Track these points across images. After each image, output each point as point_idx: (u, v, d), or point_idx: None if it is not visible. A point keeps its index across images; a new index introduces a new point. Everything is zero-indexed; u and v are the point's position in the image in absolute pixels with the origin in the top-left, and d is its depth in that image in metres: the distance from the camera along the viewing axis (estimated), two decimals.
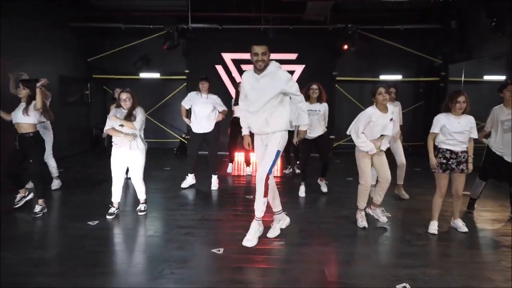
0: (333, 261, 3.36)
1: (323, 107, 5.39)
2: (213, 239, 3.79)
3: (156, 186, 5.94)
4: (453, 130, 3.88)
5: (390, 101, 4.88)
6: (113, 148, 4.37)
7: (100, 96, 9.97)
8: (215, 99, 5.67)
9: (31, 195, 4.83)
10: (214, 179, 5.87)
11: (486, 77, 9.03)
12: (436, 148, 4.05)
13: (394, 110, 4.68)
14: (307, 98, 5.29)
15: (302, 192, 5.54)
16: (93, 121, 9.65)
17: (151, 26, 8.69)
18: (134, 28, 8.89)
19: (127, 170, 4.53)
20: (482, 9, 6.86)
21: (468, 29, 7.68)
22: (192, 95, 5.70)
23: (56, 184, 5.64)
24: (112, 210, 4.45)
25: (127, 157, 4.36)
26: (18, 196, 4.75)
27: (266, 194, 3.45)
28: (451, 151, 3.95)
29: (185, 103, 5.74)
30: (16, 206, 4.66)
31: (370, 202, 4.38)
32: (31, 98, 4.40)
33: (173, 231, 4.00)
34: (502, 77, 8.73)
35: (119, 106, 4.39)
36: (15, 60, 6.46)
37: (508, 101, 4.39)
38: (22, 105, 4.43)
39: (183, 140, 9.44)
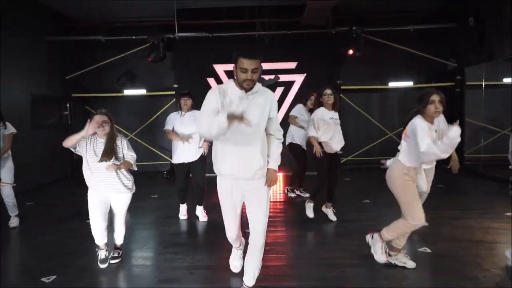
0: None
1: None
2: None
3: (139, 220, 4.98)
4: None
5: None
6: (90, 192, 3.36)
7: (81, 117, 9.03)
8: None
9: None
10: (200, 211, 4.90)
11: (506, 80, 8.22)
12: None
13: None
14: (320, 105, 4.46)
15: (310, 212, 4.73)
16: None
17: (134, 37, 7.86)
18: (115, 40, 8.07)
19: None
20: (505, 2, 6.06)
21: (489, 26, 6.87)
22: (172, 116, 4.70)
23: (15, 221, 4.68)
24: (102, 255, 3.44)
25: (111, 198, 3.41)
26: None
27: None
28: None
29: (168, 126, 4.67)
30: None
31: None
32: None
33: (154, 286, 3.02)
34: None
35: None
36: None
37: None
38: None
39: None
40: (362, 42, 7.47)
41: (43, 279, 3.20)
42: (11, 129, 4.58)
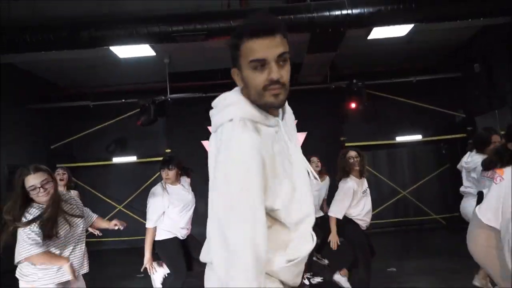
0: None
1: None
2: None
3: None
4: None
5: None
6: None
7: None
8: (188, 182, 3.84)
9: None
10: None
11: None
12: None
13: None
14: (348, 172, 3.57)
15: None
16: None
17: (123, 100, 7.50)
18: (104, 106, 7.70)
19: None
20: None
21: (496, 70, 6.56)
22: (157, 193, 3.61)
23: None
24: None
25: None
26: None
27: None
28: None
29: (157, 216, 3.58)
30: None
31: None
32: None
33: None
34: None
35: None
36: None
37: None
38: None
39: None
40: (364, 95, 7.09)
41: None
42: None
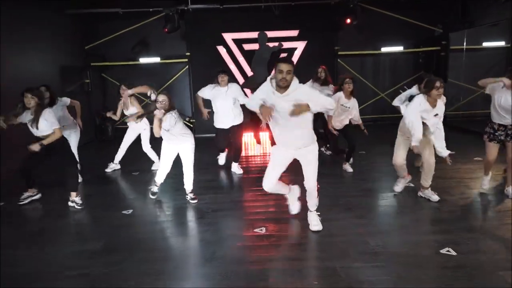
0: (374, 231, 3.49)
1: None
2: (251, 220, 3.89)
3: (175, 172, 5.98)
4: None
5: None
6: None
7: (99, 84, 9.83)
8: (235, 90, 5.42)
9: (38, 195, 4.76)
10: (236, 166, 5.85)
11: (485, 44, 9.18)
12: None
13: None
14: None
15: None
16: (95, 110, 9.54)
17: (150, 10, 8.51)
18: (131, 13, 8.68)
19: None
20: None
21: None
22: (211, 88, 5.45)
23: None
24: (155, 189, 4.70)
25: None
26: (26, 194, 4.66)
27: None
28: None
29: (203, 93, 5.52)
30: (21, 203, 4.59)
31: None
32: (40, 107, 4.14)
33: (209, 215, 4.09)
34: (501, 43, 8.92)
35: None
36: (15, 51, 6.38)
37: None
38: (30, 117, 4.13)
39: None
40: (358, 12, 8.25)
41: (123, 212, 4.25)
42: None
